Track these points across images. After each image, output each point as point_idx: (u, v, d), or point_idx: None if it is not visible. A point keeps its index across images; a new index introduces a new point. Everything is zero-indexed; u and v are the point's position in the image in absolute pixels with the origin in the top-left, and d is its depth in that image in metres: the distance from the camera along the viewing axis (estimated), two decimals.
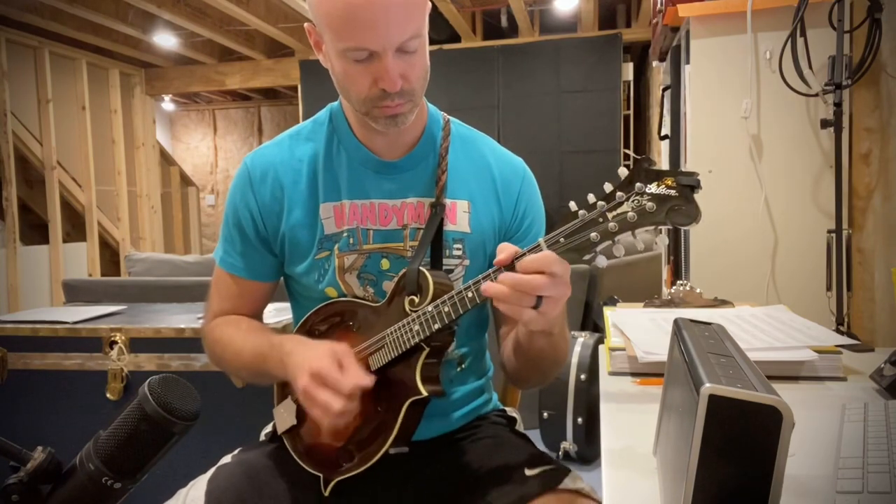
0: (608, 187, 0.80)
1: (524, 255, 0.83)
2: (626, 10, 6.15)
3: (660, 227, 0.79)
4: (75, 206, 5.92)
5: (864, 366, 1.09)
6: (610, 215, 0.79)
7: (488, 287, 0.83)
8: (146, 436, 0.69)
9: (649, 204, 0.77)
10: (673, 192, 0.77)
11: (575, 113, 5.65)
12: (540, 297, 0.81)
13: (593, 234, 0.80)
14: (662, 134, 2.77)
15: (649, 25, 3.37)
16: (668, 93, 2.70)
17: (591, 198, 0.81)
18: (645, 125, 6.39)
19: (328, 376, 0.88)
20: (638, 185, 0.78)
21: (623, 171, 0.80)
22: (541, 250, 0.82)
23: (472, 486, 1.00)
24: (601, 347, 1.26)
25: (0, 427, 1.96)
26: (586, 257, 0.82)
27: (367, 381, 0.89)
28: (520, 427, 1.21)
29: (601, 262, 0.82)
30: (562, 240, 0.82)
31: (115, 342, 1.93)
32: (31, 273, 5.36)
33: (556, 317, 0.85)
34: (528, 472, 0.98)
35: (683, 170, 0.78)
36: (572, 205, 0.82)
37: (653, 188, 0.77)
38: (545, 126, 5.68)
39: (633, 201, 0.78)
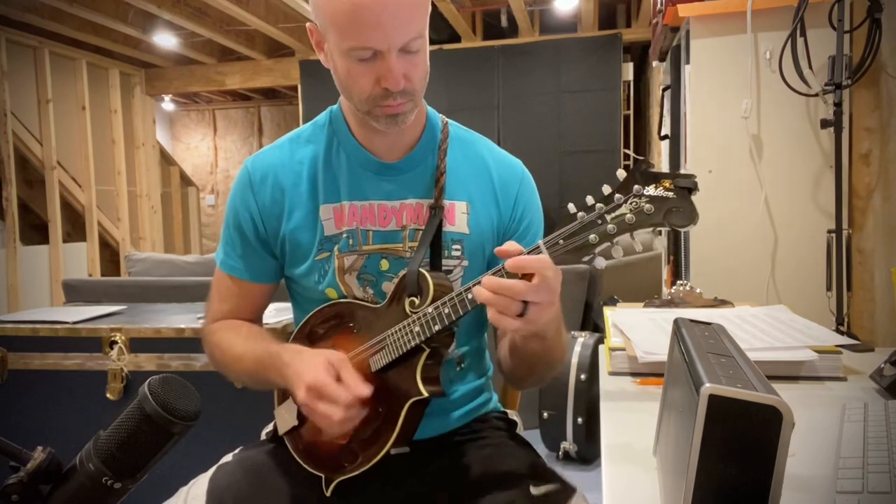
0: (607, 189, 0.81)
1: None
2: (626, 10, 6.14)
3: (658, 229, 0.79)
4: (75, 206, 5.93)
5: (864, 366, 1.09)
6: (608, 217, 0.80)
7: (478, 292, 0.83)
8: (146, 436, 0.68)
9: (647, 206, 0.78)
10: (670, 194, 0.77)
11: (575, 113, 5.65)
12: (526, 304, 0.81)
13: (592, 236, 0.81)
14: (662, 134, 2.77)
15: (649, 25, 3.37)
16: (668, 93, 2.70)
17: (589, 200, 0.82)
18: (645, 125, 6.39)
19: (325, 389, 0.88)
20: (636, 187, 0.79)
21: (622, 174, 0.81)
22: (540, 252, 0.83)
23: (474, 497, 0.99)
24: (601, 347, 1.26)
25: (0, 427, 1.96)
26: (585, 258, 0.82)
27: (365, 391, 0.90)
28: (520, 431, 1.20)
29: (599, 263, 0.83)
30: (561, 241, 0.82)
31: (115, 342, 1.93)
32: (31, 273, 5.36)
33: (547, 322, 0.85)
34: (534, 491, 0.97)
35: (681, 172, 0.79)
36: (571, 207, 0.83)
37: (651, 190, 0.78)
38: (545, 126, 5.68)
39: (631, 203, 0.79)
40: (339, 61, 0.95)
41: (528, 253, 0.84)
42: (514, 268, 0.81)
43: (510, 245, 0.84)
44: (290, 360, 0.97)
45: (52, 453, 0.69)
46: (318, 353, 0.95)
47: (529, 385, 1.12)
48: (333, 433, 0.94)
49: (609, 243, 0.81)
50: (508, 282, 0.81)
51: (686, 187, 0.77)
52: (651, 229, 0.79)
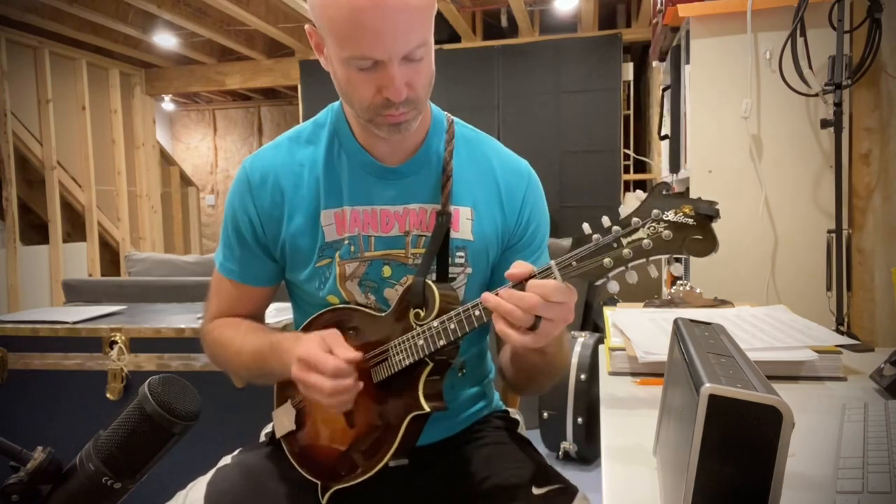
0: (624, 211, 0.78)
1: (534, 276, 0.81)
2: (626, 10, 6.14)
3: (675, 256, 0.76)
4: (75, 206, 5.92)
5: (864, 366, 1.09)
6: (625, 241, 0.76)
7: (488, 298, 0.81)
8: (146, 436, 0.69)
9: (666, 232, 0.74)
10: (691, 220, 0.74)
11: (575, 113, 5.64)
12: (538, 318, 0.79)
13: (606, 260, 0.77)
14: (662, 134, 2.76)
15: (649, 25, 3.37)
16: (668, 93, 2.70)
17: (605, 221, 0.78)
18: (645, 125, 6.38)
19: (314, 359, 0.88)
20: (655, 211, 0.75)
21: (640, 194, 0.78)
22: (551, 273, 0.80)
23: (475, 501, 0.98)
24: (601, 347, 1.26)
25: (0, 427, 1.96)
26: (598, 283, 0.79)
27: (352, 355, 0.90)
28: (522, 430, 1.20)
29: (612, 287, 0.79)
30: (574, 263, 0.79)
31: (115, 342, 1.93)
32: (31, 273, 5.36)
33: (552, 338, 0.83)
34: (536, 491, 0.96)
35: (702, 198, 0.75)
36: (586, 227, 0.79)
37: (670, 215, 0.74)
38: (545, 126, 5.68)
39: (649, 228, 0.75)
40: (339, 68, 0.92)
41: (540, 274, 0.81)
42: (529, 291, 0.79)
43: (520, 267, 0.82)
44: (289, 347, 0.96)
45: (52, 453, 0.69)
46: (314, 333, 0.95)
47: (529, 393, 1.11)
48: (332, 405, 0.92)
49: (624, 268, 0.77)
50: (524, 294, 0.78)
51: (708, 214, 0.73)
52: (667, 256, 0.76)
